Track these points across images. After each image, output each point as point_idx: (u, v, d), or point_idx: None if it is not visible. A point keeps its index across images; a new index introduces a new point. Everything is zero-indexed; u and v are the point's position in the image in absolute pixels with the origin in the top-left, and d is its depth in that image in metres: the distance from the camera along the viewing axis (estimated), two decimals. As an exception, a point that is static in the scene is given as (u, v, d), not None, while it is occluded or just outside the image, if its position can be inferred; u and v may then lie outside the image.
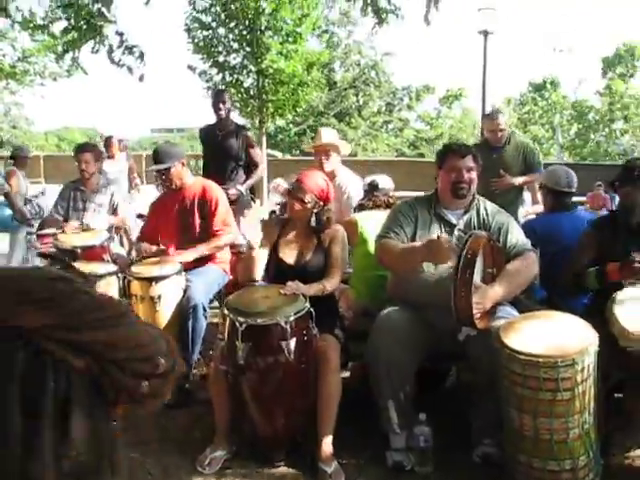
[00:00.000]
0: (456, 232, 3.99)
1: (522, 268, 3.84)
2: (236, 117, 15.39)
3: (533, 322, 3.55)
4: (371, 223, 4.72)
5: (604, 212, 12.95)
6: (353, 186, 5.67)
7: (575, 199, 5.36)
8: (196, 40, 18.18)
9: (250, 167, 7.04)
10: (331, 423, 3.69)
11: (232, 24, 18.08)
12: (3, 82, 21.90)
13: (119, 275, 4.79)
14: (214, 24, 18.30)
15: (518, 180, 6.21)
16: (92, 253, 5.61)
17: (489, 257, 3.75)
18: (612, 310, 3.56)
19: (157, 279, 4.62)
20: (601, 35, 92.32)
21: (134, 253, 5.70)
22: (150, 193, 15.71)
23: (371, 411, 3.89)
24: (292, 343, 3.52)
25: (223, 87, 17.51)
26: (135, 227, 6.97)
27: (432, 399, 4.24)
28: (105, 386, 0.78)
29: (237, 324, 3.51)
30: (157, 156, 5.06)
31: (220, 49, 18.47)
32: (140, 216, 7.33)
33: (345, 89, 38.78)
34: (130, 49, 9.20)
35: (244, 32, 17.98)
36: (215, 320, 5.39)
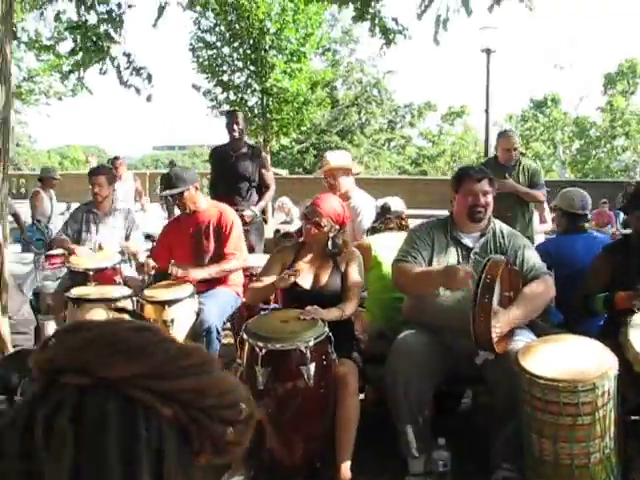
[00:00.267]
0: (472, 255, 4.00)
1: (539, 291, 3.85)
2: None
3: (551, 346, 3.56)
4: (385, 246, 4.73)
5: (609, 229, 12.98)
6: (367, 208, 5.67)
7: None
8: (201, 59, 18.30)
9: (261, 188, 7.04)
10: (349, 447, 3.68)
11: (236, 43, 18.18)
12: (8, 102, 21.96)
13: (133, 299, 4.80)
14: (219, 43, 18.41)
15: (521, 188, 6.28)
16: (104, 275, 5.61)
17: (506, 280, 3.76)
18: (627, 336, 3.56)
19: (170, 302, 4.63)
20: (602, 52, 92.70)
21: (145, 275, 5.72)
22: (155, 212, 15.79)
23: (389, 434, 3.88)
24: (312, 368, 3.52)
25: (229, 106, 17.61)
26: (144, 249, 6.99)
27: (449, 422, 4.23)
28: (192, 434, 0.80)
29: (257, 349, 3.50)
30: (170, 181, 5.08)
31: (225, 68, 18.59)
32: (148, 237, 7.34)
33: (347, 107, 38.93)
34: (138, 70, 9.26)
35: (248, 51, 18.09)
36: (225, 341, 5.39)
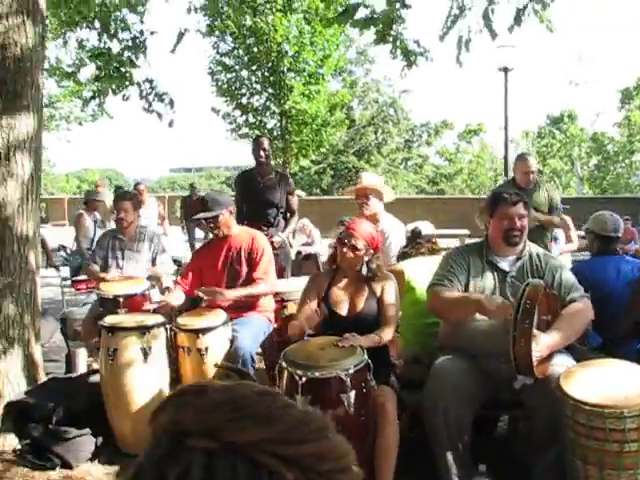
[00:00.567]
0: (509, 279, 3.98)
1: (578, 314, 3.82)
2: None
3: (593, 370, 3.52)
4: (417, 271, 4.73)
5: (632, 246, 12.91)
6: (395, 232, 5.67)
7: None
8: (220, 83, 18.43)
9: (286, 213, 7.05)
10: (390, 475, 3.66)
11: (255, 66, 18.32)
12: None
13: (166, 326, 4.81)
14: (237, 67, 18.55)
15: (541, 217, 6.29)
16: (134, 302, 5.63)
17: (544, 304, 3.73)
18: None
19: (204, 330, 4.64)
20: (618, 67, 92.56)
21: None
22: (175, 235, 15.88)
23: (427, 459, 3.85)
24: (352, 396, 3.50)
25: (248, 129, 17.73)
26: (171, 272, 7.01)
27: (485, 448, 4.19)
28: None
29: (296, 377, 3.49)
30: (205, 204, 5.10)
31: (243, 91, 18.73)
32: (174, 261, 7.37)
33: (364, 127, 39.02)
34: (160, 96, 9.35)
35: (267, 74, 18.22)
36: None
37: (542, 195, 6.46)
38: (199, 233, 17.42)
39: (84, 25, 9.70)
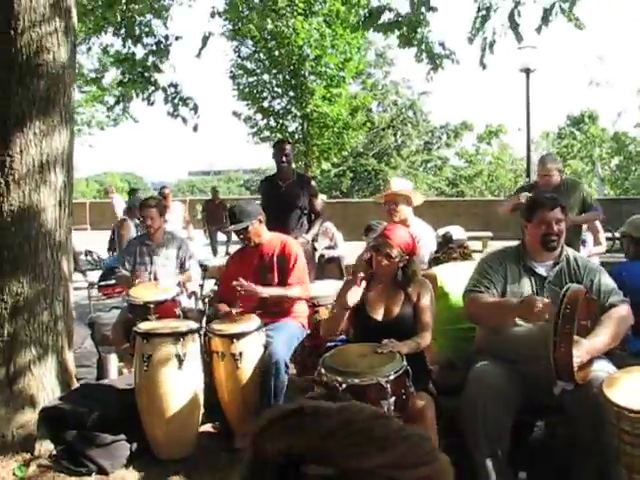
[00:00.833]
0: (547, 285, 3.95)
1: (618, 319, 3.78)
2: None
3: (637, 376, 3.48)
4: (450, 276, 4.71)
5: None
6: (425, 237, 5.64)
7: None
8: (241, 86, 18.46)
9: (311, 216, 7.06)
10: (429, 482, 3.63)
11: (276, 70, 18.34)
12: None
13: (200, 332, 4.82)
14: (258, 70, 18.58)
15: (577, 218, 6.23)
16: (164, 308, 5.65)
17: (584, 309, 3.69)
18: None
19: (238, 336, 4.64)
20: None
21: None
22: (198, 239, 15.89)
23: (464, 466, 3.82)
24: (392, 402, 3.49)
25: (269, 133, 17.76)
26: (199, 278, 7.02)
27: (524, 454, 4.16)
28: None
29: (336, 384, 3.48)
30: (235, 216, 5.10)
31: (265, 95, 18.73)
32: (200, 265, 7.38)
33: (383, 129, 38.94)
34: (185, 101, 9.38)
35: (288, 77, 18.23)
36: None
37: (575, 195, 6.38)
38: (221, 237, 17.45)
39: (109, 31, 9.77)
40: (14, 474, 4.43)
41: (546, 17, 7.30)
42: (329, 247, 11.79)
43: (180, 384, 4.59)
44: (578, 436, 3.67)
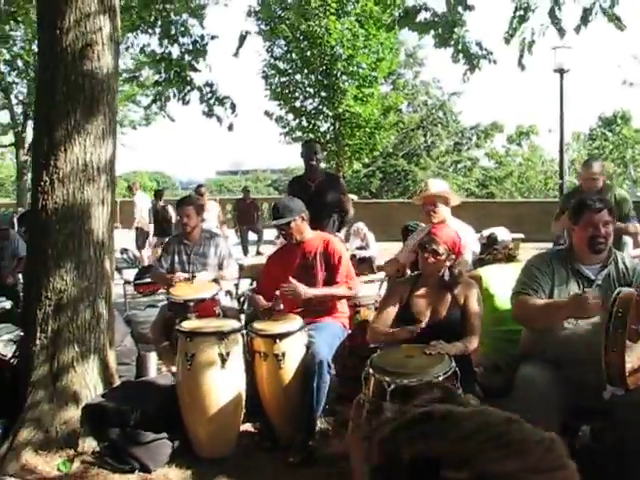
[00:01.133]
0: (595, 287, 3.90)
1: (672, 324, 3.73)
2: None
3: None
4: (495, 277, 4.67)
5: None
6: (467, 238, 5.60)
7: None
8: (273, 86, 18.50)
9: (340, 214, 7.05)
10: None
11: (308, 70, 18.35)
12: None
13: (243, 332, 4.82)
14: (291, 70, 18.60)
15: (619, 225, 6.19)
16: (204, 306, 5.65)
17: (634, 313, 3.64)
18: None
19: (281, 336, 4.63)
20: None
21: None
22: (231, 238, 15.97)
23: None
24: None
25: (301, 133, 17.78)
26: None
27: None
28: None
29: (384, 384, 3.46)
30: (277, 211, 5.10)
31: (297, 95, 18.75)
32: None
33: (413, 130, 38.85)
34: (221, 100, 9.38)
35: (320, 77, 18.23)
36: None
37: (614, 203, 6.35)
38: (252, 236, 17.50)
39: (145, 30, 9.83)
40: (58, 469, 4.47)
41: (586, 17, 7.21)
42: (361, 247, 11.75)
43: (223, 383, 4.59)
44: (629, 442, 3.62)
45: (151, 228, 14.18)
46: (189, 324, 4.89)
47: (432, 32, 7.96)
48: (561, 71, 17.06)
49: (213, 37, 9.43)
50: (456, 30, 8.11)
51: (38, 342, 4.84)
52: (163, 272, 6.33)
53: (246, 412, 4.87)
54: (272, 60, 18.49)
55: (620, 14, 7.01)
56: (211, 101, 9.38)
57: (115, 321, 5.54)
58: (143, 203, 14.87)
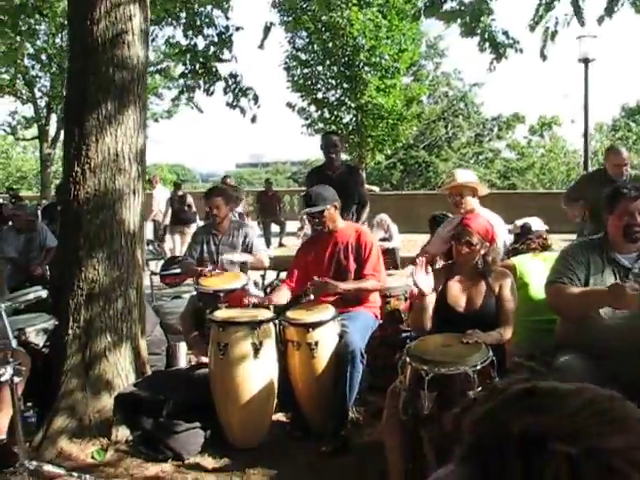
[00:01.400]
0: (631, 276, 3.86)
1: None
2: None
3: None
4: (529, 267, 4.64)
5: None
6: (497, 227, 5.57)
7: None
8: (295, 78, 18.47)
9: (358, 205, 7.02)
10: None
11: (330, 61, 18.31)
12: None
13: (275, 321, 4.82)
14: (313, 62, 18.57)
15: None
16: (234, 297, 5.65)
17: (673, 303, 3.60)
18: None
19: (314, 325, 4.63)
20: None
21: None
22: (255, 229, 16.02)
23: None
24: (478, 392, 3.44)
25: (323, 124, 17.76)
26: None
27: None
28: None
29: (422, 373, 3.45)
30: (310, 199, 5.09)
31: (319, 86, 18.72)
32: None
33: (434, 121, 38.70)
34: (245, 91, 9.37)
35: (342, 68, 18.18)
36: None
37: None
38: (275, 228, 17.52)
39: (170, 22, 9.85)
40: (92, 457, 4.50)
41: (610, 7, 7.14)
42: (384, 239, 11.74)
43: (256, 373, 4.60)
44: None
45: (167, 219, 14.26)
46: (222, 313, 4.89)
47: (458, 21, 7.92)
48: (586, 60, 16.87)
49: (238, 28, 9.42)
50: (482, 19, 8.05)
51: (70, 331, 4.87)
52: (192, 262, 6.33)
53: (278, 401, 4.87)
54: (294, 52, 18.50)
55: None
56: (235, 92, 9.38)
57: (145, 311, 5.56)
58: (162, 195, 14.91)
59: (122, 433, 4.72)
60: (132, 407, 4.76)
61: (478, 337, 3.69)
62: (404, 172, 38.90)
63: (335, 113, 18.70)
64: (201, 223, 10.83)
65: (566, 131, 42.18)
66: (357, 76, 17.87)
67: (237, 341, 4.56)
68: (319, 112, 18.85)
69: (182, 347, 6.04)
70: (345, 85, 18.32)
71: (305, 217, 6.04)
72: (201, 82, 9.36)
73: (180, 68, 11.17)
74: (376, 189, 20.86)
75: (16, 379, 3.88)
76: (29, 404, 4.92)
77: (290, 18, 17.64)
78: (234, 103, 9.41)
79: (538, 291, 4.36)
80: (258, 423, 4.74)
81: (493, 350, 3.73)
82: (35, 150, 35.94)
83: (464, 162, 38.65)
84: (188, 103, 10.18)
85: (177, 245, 13.75)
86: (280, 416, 5.09)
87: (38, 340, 5.23)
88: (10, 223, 8.88)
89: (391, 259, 10.89)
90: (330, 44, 17.76)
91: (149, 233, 13.60)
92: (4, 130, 27.73)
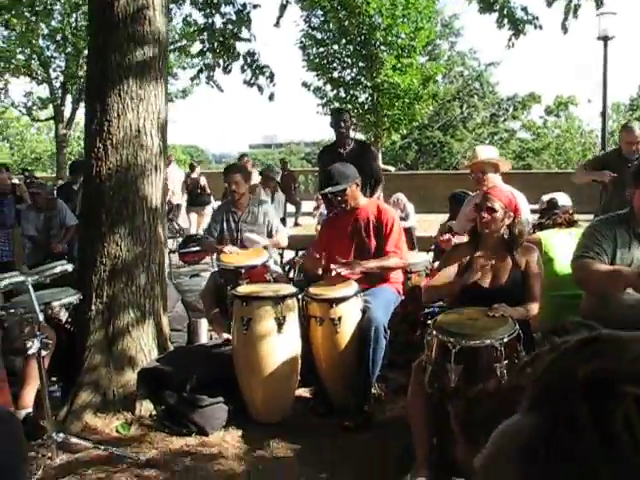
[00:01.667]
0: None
1: None
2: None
3: None
4: (556, 242, 4.62)
5: None
6: (520, 203, 5.53)
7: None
8: (311, 57, 18.38)
9: (372, 181, 6.97)
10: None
11: (345, 40, 18.20)
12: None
13: (298, 297, 4.81)
14: (328, 41, 18.46)
15: None
16: (255, 273, 5.66)
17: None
18: None
19: (337, 301, 4.63)
20: None
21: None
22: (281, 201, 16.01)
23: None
24: (505, 365, 3.43)
25: (338, 104, 17.68)
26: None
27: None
28: None
29: (449, 345, 3.44)
30: (332, 178, 5.07)
31: (335, 65, 18.62)
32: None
33: (449, 101, 38.48)
34: (262, 69, 9.34)
35: (358, 47, 18.07)
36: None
37: None
38: (290, 207, 17.52)
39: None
40: (117, 431, 4.53)
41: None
42: (400, 218, 11.71)
43: (279, 347, 4.61)
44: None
45: (184, 200, 14.54)
46: (245, 288, 4.90)
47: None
48: (605, 38, 16.67)
49: (255, 6, 9.37)
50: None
51: (94, 307, 4.89)
52: (213, 241, 6.33)
53: (300, 377, 4.88)
54: (310, 30, 18.40)
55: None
56: (254, 69, 9.35)
57: (167, 287, 5.57)
58: (176, 174, 14.97)
59: (146, 408, 4.75)
60: (156, 382, 4.78)
61: (504, 310, 3.68)
62: (419, 152, 38.77)
63: (351, 92, 18.61)
64: (216, 204, 10.85)
65: (582, 111, 41.84)
66: (373, 55, 17.78)
67: (260, 316, 4.57)
68: (335, 91, 18.79)
69: (203, 324, 6.05)
70: (361, 64, 18.23)
71: (320, 196, 5.99)
72: (220, 61, 9.34)
73: (197, 47, 11.15)
74: (392, 169, 20.79)
75: (43, 352, 3.91)
76: (53, 379, 4.96)
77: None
78: (252, 81, 9.39)
79: (564, 266, 4.33)
80: (281, 398, 4.76)
81: (519, 325, 3.72)
82: (50, 131, 35.99)
83: (479, 142, 38.39)
84: (208, 82, 10.14)
85: (193, 224, 13.87)
86: (303, 391, 5.10)
87: (61, 315, 5.27)
88: (29, 202, 8.91)
89: (408, 239, 10.86)
90: (346, 23, 17.63)
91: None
92: (20, 111, 27.74)
